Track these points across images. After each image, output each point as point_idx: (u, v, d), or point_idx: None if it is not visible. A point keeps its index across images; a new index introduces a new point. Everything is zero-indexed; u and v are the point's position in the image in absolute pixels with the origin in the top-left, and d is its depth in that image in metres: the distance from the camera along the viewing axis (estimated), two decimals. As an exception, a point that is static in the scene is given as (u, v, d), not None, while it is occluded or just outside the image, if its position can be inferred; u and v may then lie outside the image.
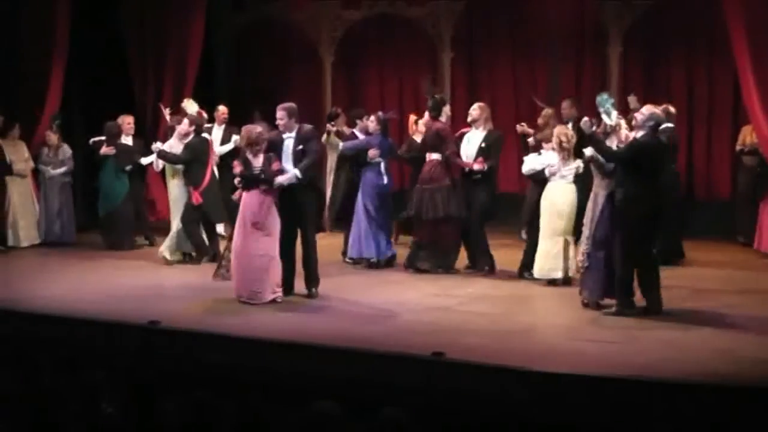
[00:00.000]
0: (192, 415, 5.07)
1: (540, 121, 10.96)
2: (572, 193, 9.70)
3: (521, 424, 6.19)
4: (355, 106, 12.85)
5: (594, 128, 8.60)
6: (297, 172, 9.08)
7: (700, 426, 6.08)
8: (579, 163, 9.54)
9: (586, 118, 8.65)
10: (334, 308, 8.88)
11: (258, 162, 9.01)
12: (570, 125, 10.70)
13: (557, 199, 9.67)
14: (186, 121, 11.25)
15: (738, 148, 11.98)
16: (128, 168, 12.10)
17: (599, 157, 8.52)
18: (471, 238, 10.49)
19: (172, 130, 11.47)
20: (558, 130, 9.88)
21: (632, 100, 11.91)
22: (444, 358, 6.80)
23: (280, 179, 9.00)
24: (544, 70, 14.12)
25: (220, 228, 11.78)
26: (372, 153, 10.64)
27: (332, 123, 12.08)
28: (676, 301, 8.77)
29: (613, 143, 8.52)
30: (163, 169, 11.71)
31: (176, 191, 11.25)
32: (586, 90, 13.71)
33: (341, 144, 11.36)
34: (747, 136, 11.78)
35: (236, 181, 9.15)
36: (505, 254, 10.70)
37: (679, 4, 13.01)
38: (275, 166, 9.01)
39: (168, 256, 11.14)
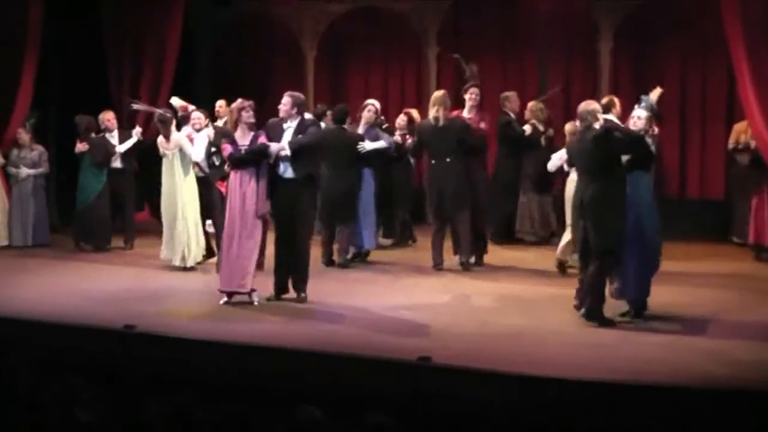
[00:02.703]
0: (171, 420, 4.97)
1: None
2: None
3: (508, 430, 6.09)
4: (338, 102, 12.59)
5: None
6: (286, 146, 8.88)
7: (692, 430, 5.97)
8: None
9: None
10: (318, 311, 8.75)
11: (246, 140, 8.84)
12: None
13: (570, 192, 9.65)
14: (201, 115, 10.78)
15: (731, 146, 11.80)
16: (111, 164, 11.83)
17: None
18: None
19: (163, 123, 10.70)
20: (569, 127, 9.95)
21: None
22: (430, 363, 6.66)
23: (272, 147, 8.81)
24: (533, 65, 14.02)
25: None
26: None
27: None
28: (670, 302, 8.63)
29: None
30: (155, 167, 11.07)
31: (191, 191, 10.55)
32: (575, 86, 13.60)
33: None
34: (741, 134, 11.60)
35: (225, 166, 8.95)
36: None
37: (671, -1, 12.86)
38: (261, 140, 8.84)
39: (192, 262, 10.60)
